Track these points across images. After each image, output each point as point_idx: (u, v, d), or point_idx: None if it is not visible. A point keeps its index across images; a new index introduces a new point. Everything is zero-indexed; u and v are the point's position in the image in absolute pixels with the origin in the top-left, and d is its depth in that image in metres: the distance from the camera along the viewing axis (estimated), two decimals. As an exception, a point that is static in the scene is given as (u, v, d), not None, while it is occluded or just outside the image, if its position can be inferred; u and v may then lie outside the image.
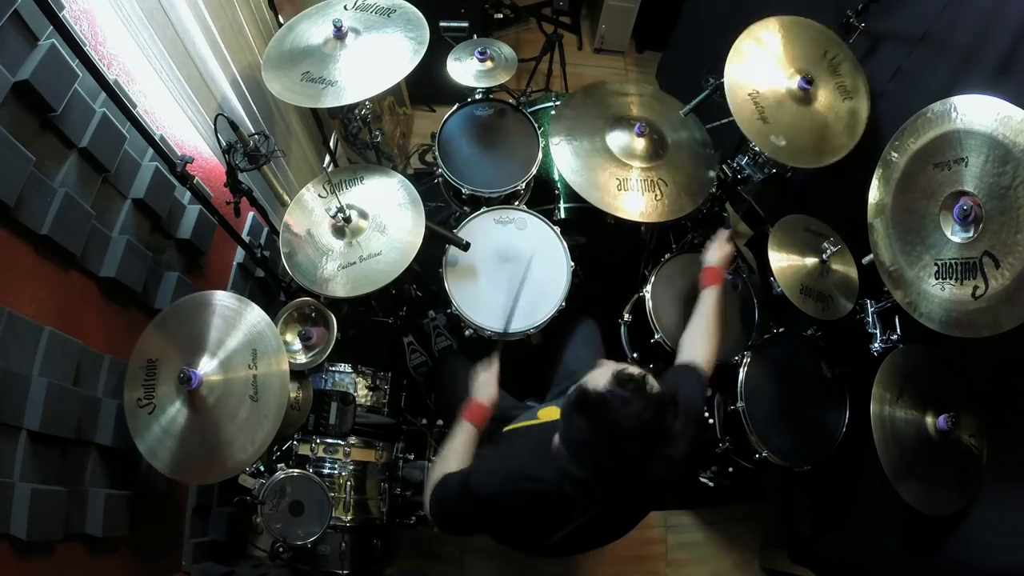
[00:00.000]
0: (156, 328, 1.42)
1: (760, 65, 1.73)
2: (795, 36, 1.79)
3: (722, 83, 1.68)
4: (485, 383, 1.50)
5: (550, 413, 1.37)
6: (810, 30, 1.82)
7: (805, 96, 1.73)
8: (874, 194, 1.49)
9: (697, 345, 1.45)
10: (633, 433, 0.94)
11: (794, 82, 1.73)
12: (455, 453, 1.34)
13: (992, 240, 1.24)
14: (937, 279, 1.33)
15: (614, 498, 1.08)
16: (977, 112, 1.28)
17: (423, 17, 1.73)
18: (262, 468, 1.60)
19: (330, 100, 1.59)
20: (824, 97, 1.76)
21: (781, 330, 1.95)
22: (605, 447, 0.97)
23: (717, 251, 1.67)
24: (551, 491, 1.11)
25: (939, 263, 1.33)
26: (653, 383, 1.00)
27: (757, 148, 1.73)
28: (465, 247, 1.77)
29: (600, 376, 1.02)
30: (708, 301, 1.54)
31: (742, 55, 1.72)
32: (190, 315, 1.44)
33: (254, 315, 1.46)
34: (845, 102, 1.78)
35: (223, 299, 1.46)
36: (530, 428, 1.39)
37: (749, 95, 1.69)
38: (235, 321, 1.44)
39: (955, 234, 1.32)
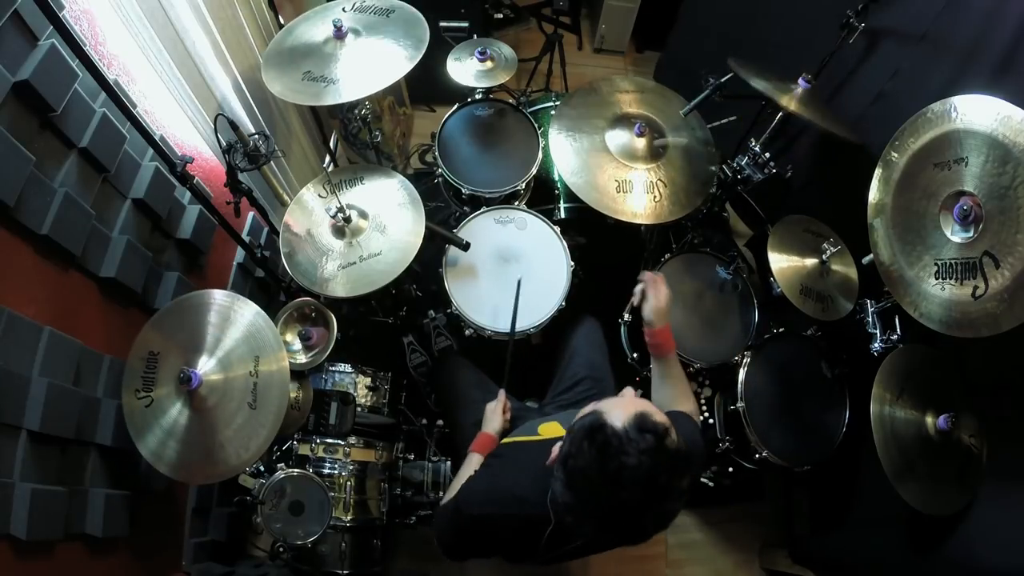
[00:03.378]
0: (154, 326, 1.41)
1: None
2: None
3: (722, 83, 1.68)
4: (493, 414, 1.52)
5: (551, 429, 1.34)
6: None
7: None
8: (874, 194, 1.49)
9: (679, 403, 1.38)
10: (637, 484, 0.89)
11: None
12: (460, 483, 1.31)
13: (992, 240, 1.24)
14: (937, 279, 1.33)
15: (589, 534, 1.03)
16: (977, 112, 1.28)
17: (422, 16, 1.73)
18: (262, 468, 1.61)
19: (331, 98, 1.59)
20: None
21: (781, 330, 1.95)
22: (604, 488, 0.91)
23: (654, 303, 1.41)
24: (540, 515, 1.07)
25: (939, 263, 1.33)
26: (673, 438, 0.94)
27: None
28: (465, 247, 1.77)
29: (621, 411, 0.95)
30: (674, 370, 1.42)
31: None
32: (189, 314, 1.44)
33: (254, 315, 1.46)
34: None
35: (222, 298, 1.46)
36: (527, 444, 1.35)
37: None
38: (235, 321, 1.44)
39: (955, 234, 1.32)
